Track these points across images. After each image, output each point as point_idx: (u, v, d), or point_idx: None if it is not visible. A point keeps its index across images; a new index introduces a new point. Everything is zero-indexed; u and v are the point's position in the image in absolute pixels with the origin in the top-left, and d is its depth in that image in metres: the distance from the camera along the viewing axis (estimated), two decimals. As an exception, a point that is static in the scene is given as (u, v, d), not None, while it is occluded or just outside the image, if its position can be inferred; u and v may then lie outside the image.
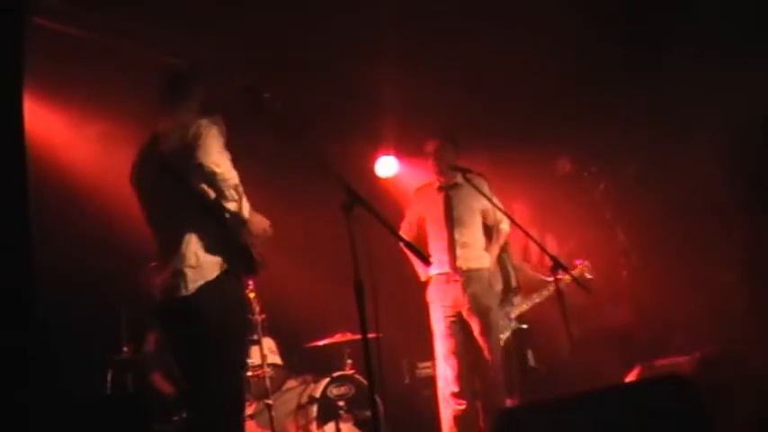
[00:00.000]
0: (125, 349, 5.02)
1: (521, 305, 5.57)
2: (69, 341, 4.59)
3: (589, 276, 5.54)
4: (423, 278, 5.24)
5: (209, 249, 3.41)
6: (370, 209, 3.10)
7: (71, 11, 4.88)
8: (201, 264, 3.37)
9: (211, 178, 3.39)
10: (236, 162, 3.62)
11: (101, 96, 5.12)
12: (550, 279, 5.25)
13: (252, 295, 4.87)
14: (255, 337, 4.87)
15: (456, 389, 4.95)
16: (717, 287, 6.09)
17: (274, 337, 5.29)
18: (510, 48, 5.90)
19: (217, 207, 3.42)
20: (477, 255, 5.17)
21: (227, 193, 3.43)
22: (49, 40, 4.69)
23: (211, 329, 3.36)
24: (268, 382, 4.77)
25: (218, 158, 3.41)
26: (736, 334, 5.41)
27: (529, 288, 5.68)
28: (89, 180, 5.26)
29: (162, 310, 3.47)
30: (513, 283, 5.56)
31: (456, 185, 5.22)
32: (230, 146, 3.65)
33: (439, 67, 6.09)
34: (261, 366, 4.83)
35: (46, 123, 5.13)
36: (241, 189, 3.51)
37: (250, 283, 4.88)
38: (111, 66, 5.08)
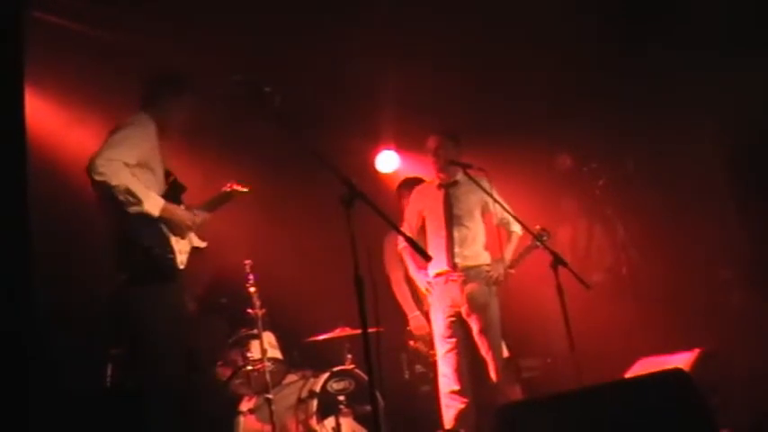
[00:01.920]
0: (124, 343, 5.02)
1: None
2: (68, 335, 4.58)
3: (545, 237, 5.04)
4: (425, 290, 5.24)
5: (120, 255, 3.69)
6: (370, 203, 3.09)
7: (72, 5, 4.87)
8: (122, 267, 3.70)
9: (101, 189, 3.57)
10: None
11: (101, 92, 5.09)
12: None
13: (252, 289, 4.86)
14: (255, 331, 4.87)
15: (457, 387, 4.95)
16: (716, 283, 6.09)
17: (274, 332, 5.28)
18: (510, 44, 5.90)
19: (120, 213, 3.61)
20: (476, 252, 5.14)
21: (121, 199, 3.57)
22: (50, 34, 4.68)
23: (130, 328, 3.80)
24: (268, 376, 4.76)
25: (104, 167, 3.54)
26: (736, 330, 5.41)
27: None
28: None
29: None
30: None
31: (456, 183, 5.20)
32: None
33: (440, 62, 6.08)
34: (261, 361, 4.82)
35: (45, 119, 5.11)
36: (140, 191, 3.60)
37: (251, 276, 4.88)
38: (113, 61, 5.07)
